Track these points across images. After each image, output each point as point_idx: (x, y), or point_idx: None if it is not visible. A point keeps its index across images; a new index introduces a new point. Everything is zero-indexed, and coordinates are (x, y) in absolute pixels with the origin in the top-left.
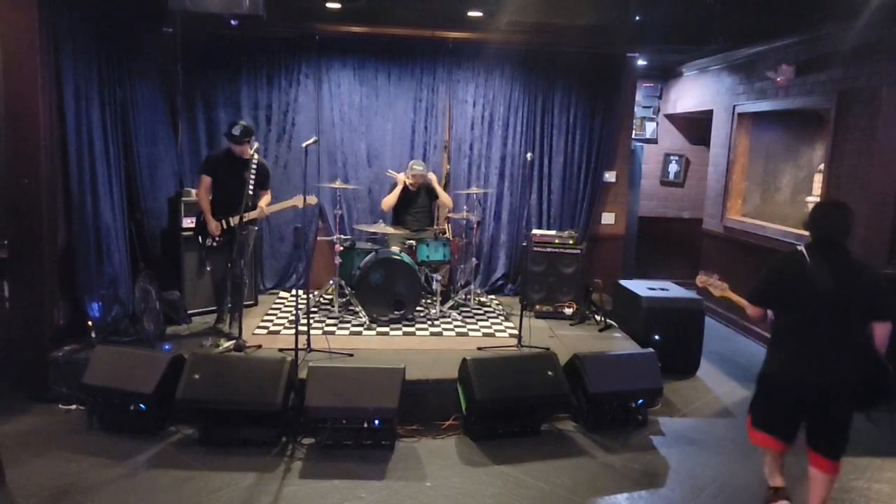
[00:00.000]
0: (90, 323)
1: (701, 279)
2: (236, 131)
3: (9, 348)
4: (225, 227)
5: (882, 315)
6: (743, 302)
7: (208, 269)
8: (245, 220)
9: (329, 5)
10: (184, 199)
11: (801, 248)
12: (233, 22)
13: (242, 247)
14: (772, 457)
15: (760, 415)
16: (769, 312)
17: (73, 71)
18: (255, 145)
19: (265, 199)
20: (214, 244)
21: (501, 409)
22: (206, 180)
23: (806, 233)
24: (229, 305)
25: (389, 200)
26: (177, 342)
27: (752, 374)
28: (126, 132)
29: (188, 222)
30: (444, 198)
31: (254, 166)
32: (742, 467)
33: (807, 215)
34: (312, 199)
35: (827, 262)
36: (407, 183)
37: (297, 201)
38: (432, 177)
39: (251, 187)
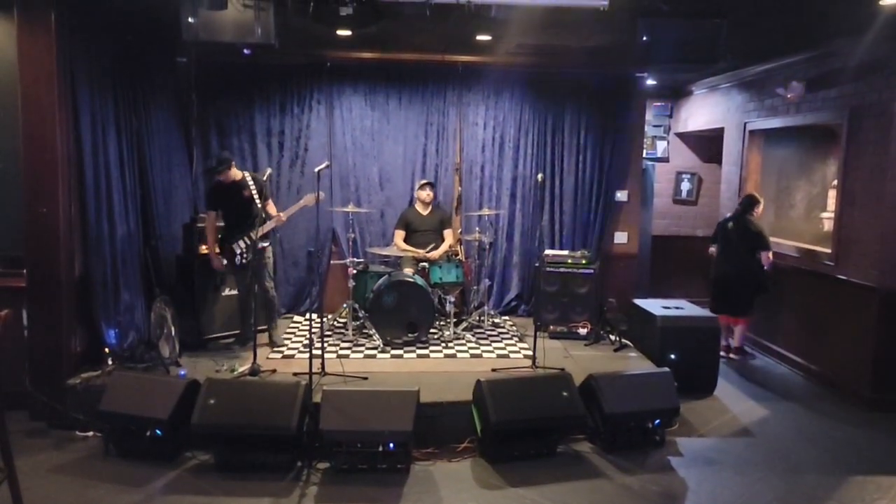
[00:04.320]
0: (107, 350)
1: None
2: (212, 163)
3: (27, 376)
4: (247, 243)
5: (760, 248)
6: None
7: (225, 292)
8: (264, 231)
9: (340, 32)
10: (198, 225)
11: (727, 216)
12: (245, 51)
13: (260, 265)
14: (723, 329)
15: (713, 304)
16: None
17: (90, 101)
18: (268, 171)
19: (273, 208)
20: (244, 261)
21: (517, 430)
22: (212, 214)
23: (817, 248)
24: (262, 326)
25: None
26: (192, 367)
27: (770, 392)
28: (141, 160)
29: (203, 248)
30: (449, 236)
31: (250, 182)
32: (763, 488)
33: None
34: (321, 196)
35: (735, 223)
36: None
37: (308, 200)
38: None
39: (258, 201)
